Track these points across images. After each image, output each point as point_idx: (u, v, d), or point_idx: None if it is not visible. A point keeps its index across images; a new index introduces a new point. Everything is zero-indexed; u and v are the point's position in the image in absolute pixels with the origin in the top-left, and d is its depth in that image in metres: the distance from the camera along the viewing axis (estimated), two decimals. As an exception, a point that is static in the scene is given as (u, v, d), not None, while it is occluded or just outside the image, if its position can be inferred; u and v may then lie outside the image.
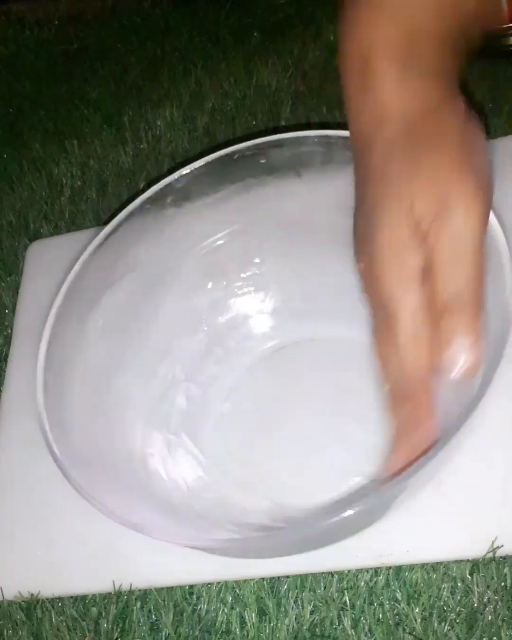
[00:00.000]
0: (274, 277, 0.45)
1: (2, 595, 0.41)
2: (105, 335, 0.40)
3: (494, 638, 0.33)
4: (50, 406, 0.34)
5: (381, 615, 0.34)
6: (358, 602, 0.35)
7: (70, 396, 0.36)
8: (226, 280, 0.45)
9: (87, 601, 0.39)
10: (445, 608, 0.34)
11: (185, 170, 0.40)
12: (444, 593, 0.34)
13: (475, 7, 0.31)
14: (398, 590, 0.35)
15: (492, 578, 0.34)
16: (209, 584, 0.38)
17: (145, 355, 0.42)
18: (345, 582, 0.36)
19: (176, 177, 0.40)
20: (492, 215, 0.29)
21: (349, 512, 0.26)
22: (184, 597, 0.38)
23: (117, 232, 0.39)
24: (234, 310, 0.46)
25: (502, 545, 0.33)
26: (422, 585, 0.35)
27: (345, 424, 0.40)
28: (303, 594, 0.36)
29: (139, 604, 0.38)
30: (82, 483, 0.31)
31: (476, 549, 0.34)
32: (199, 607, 0.37)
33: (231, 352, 0.45)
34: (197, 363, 0.45)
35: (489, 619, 0.33)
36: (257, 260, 0.45)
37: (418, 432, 0.28)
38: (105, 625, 0.38)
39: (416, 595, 0.35)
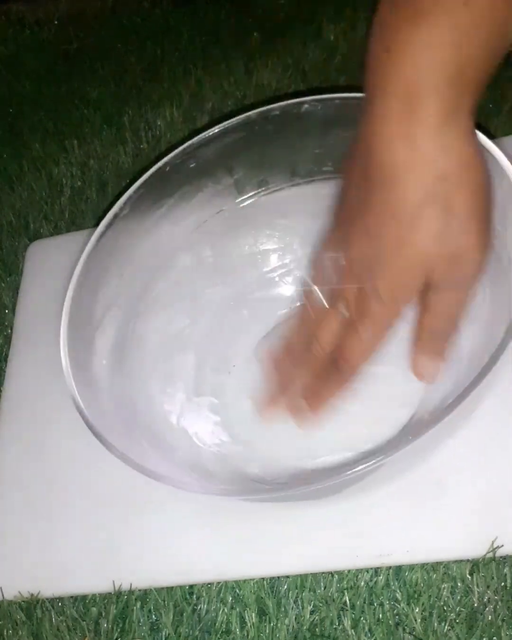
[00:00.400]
0: (294, 236, 0.46)
1: (2, 595, 0.41)
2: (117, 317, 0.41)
3: (494, 638, 0.33)
4: (75, 368, 0.35)
5: (381, 615, 0.34)
6: (358, 602, 0.35)
7: (94, 361, 0.38)
8: (254, 238, 0.46)
9: (87, 601, 0.39)
10: (445, 608, 0.34)
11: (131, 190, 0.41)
12: (444, 593, 0.34)
13: None
14: (398, 590, 0.35)
15: (492, 578, 0.34)
16: (209, 584, 0.38)
17: (165, 321, 0.44)
18: (345, 582, 0.36)
19: (122, 203, 0.41)
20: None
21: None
22: (184, 597, 0.38)
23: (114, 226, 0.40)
24: (255, 274, 0.47)
25: (502, 545, 0.33)
26: (422, 585, 0.35)
27: (362, 388, 0.40)
28: (303, 594, 0.36)
29: (139, 604, 0.38)
30: (113, 441, 0.32)
31: (476, 549, 0.34)
32: (199, 607, 0.37)
33: (251, 317, 0.46)
34: (216, 328, 0.46)
35: (489, 619, 0.33)
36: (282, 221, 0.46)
37: None
38: (105, 625, 0.38)
39: (416, 595, 0.35)
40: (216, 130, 0.40)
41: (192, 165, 0.41)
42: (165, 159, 0.41)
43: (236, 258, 0.46)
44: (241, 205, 0.44)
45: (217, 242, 0.45)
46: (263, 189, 0.44)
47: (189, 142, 0.41)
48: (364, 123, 0.31)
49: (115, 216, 0.40)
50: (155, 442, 0.38)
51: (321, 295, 0.37)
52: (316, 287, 0.38)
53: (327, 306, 0.36)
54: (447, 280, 0.31)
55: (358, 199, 0.33)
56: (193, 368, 0.44)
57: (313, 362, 0.37)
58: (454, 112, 0.28)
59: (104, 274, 0.40)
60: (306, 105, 0.39)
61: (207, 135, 0.40)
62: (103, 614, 0.38)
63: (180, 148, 0.41)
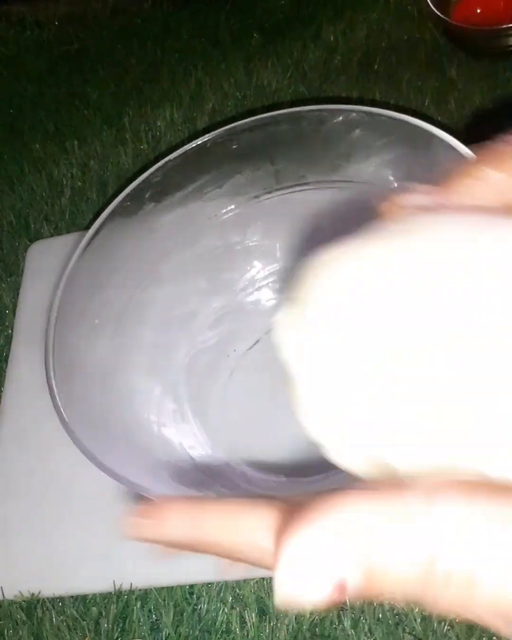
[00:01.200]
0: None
1: (3, 594, 0.41)
2: (106, 327, 0.40)
3: (494, 638, 0.33)
4: (59, 376, 0.34)
5: (381, 615, 0.34)
6: (358, 602, 0.35)
7: (78, 366, 0.37)
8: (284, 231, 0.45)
9: (87, 601, 0.39)
10: (445, 608, 0.34)
11: (160, 163, 0.40)
12: (444, 593, 0.34)
13: None
14: (398, 590, 0.35)
15: (492, 578, 0.34)
16: (209, 584, 0.38)
17: (151, 329, 0.43)
18: (345, 582, 0.36)
19: (152, 171, 0.40)
20: None
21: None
22: (184, 597, 0.38)
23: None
24: (239, 284, 0.46)
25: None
26: (422, 585, 0.35)
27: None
28: (303, 593, 0.36)
29: (139, 603, 0.38)
30: (93, 450, 0.32)
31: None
32: (199, 607, 0.37)
33: (235, 328, 0.46)
34: (200, 337, 0.45)
35: (489, 618, 0.33)
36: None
37: None
38: (106, 625, 0.38)
39: (415, 595, 0.35)
40: (265, 116, 0.40)
41: (234, 147, 0.41)
42: (209, 135, 0.40)
43: (259, 247, 0.45)
44: (279, 195, 0.44)
45: (247, 228, 0.44)
46: (302, 183, 0.43)
47: (234, 124, 0.40)
48: None
49: (145, 181, 0.40)
50: (135, 449, 0.37)
51: None
52: None
53: None
54: None
55: None
56: (183, 369, 0.44)
57: None
58: None
59: (121, 239, 0.40)
60: (354, 114, 0.38)
61: (254, 120, 0.40)
62: (103, 614, 0.38)
63: (226, 128, 0.40)
